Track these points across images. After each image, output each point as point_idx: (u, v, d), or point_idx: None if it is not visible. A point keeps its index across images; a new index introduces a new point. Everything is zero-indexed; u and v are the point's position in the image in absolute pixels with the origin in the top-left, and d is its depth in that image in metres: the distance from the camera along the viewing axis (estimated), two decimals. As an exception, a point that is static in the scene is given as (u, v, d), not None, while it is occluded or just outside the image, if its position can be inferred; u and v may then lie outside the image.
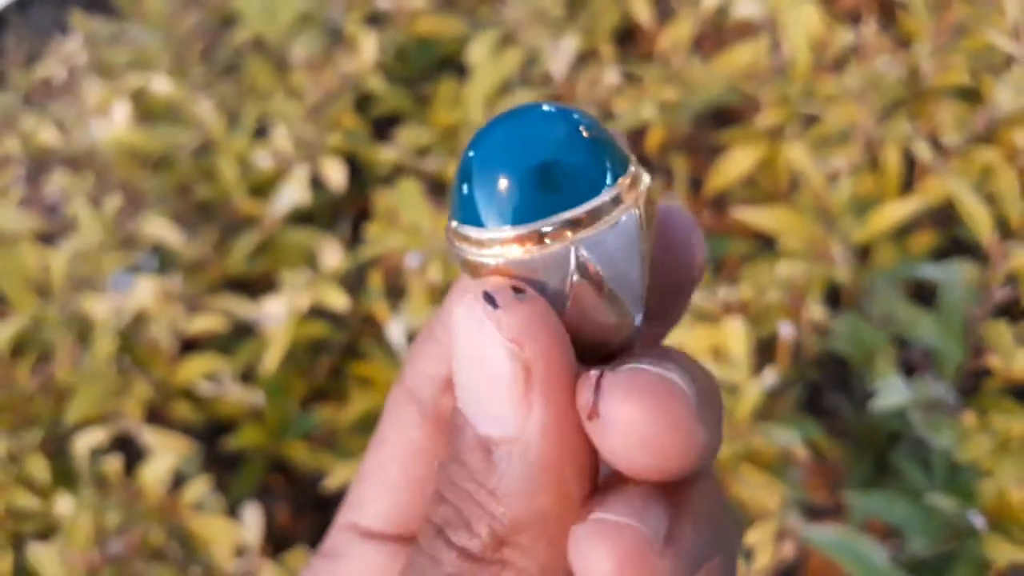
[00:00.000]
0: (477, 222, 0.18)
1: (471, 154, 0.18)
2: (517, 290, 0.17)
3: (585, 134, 0.18)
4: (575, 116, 0.19)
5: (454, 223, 0.19)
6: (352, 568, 0.22)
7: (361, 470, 0.23)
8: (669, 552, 0.16)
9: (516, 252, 0.17)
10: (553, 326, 0.17)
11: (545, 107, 0.19)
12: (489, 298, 0.17)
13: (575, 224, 0.17)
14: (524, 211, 0.17)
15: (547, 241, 0.17)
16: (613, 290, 0.18)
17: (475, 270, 0.18)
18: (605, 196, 0.18)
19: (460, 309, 0.17)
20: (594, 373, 0.17)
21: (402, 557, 0.22)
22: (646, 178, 0.19)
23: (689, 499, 0.17)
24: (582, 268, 0.17)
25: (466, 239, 0.18)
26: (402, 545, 0.22)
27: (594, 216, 0.17)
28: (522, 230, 0.17)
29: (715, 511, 0.18)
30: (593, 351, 0.18)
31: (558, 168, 0.17)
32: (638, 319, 0.19)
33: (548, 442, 0.16)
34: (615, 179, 0.18)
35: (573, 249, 0.17)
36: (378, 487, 0.22)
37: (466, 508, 0.17)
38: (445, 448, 0.18)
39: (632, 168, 0.19)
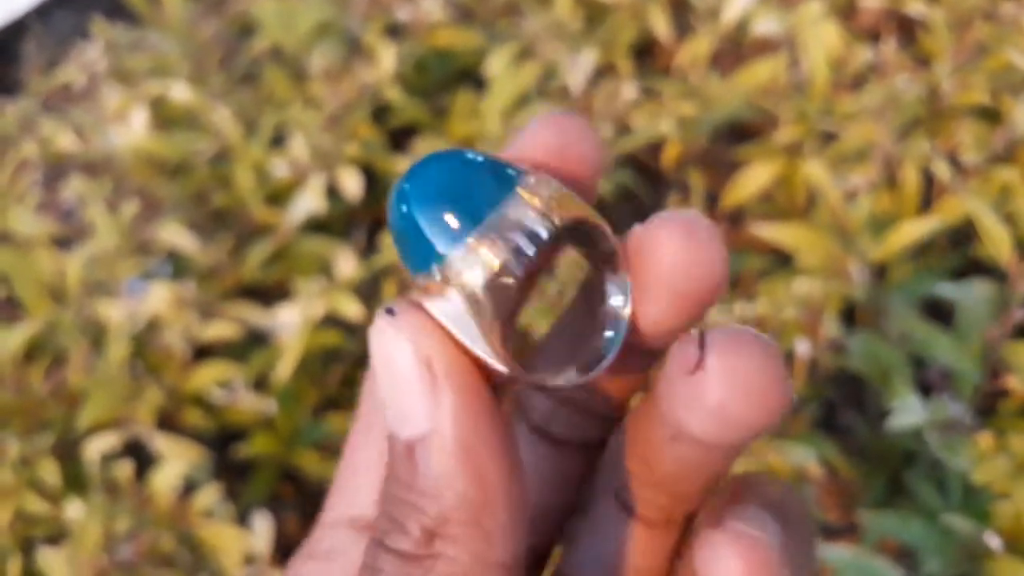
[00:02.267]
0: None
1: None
2: (415, 303, 0.17)
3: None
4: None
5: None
6: (351, 567, 0.21)
7: (351, 461, 0.23)
8: (786, 562, 0.17)
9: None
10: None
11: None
12: (389, 310, 0.17)
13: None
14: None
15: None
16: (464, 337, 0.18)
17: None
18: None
19: (372, 331, 0.18)
20: (695, 331, 0.17)
21: None
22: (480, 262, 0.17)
23: (789, 511, 0.18)
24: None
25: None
26: None
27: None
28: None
29: (805, 523, 0.19)
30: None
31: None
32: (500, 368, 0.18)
33: (461, 429, 0.17)
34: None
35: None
36: (376, 478, 0.21)
37: (399, 513, 0.17)
38: (387, 460, 0.18)
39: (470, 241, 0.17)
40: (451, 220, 0.17)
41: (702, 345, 0.17)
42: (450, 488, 0.17)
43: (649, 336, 0.19)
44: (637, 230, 0.18)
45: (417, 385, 0.17)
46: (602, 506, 0.21)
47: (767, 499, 0.18)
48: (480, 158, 0.18)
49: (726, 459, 0.18)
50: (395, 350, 0.17)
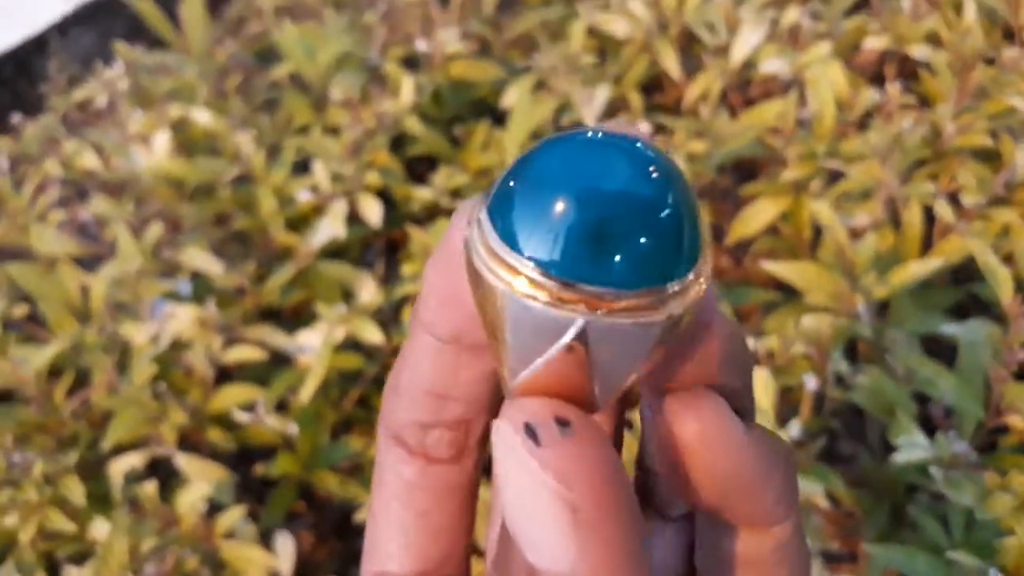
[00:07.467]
0: (509, 237, 0.15)
1: (530, 167, 0.16)
2: (562, 423, 0.16)
3: (671, 200, 0.16)
4: (665, 168, 0.16)
5: (485, 218, 0.16)
6: None
7: (370, 515, 0.23)
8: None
9: (523, 290, 0.15)
10: (603, 464, 0.16)
11: (638, 144, 0.16)
12: (531, 432, 0.15)
13: (597, 301, 0.15)
14: (563, 260, 0.15)
15: (560, 302, 0.15)
16: (592, 379, 0.16)
17: (475, 280, 0.16)
18: (648, 297, 0.15)
19: (499, 440, 0.16)
20: None
21: None
22: (705, 276, 0.16)
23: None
24: (574, 347, 0.16)
25: (485, 243, 0.16)
26: None
27: (622, 310, 0.15)
28: (541, 277, 0.15)
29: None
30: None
31: (622, 233, 0.15)
32: (600, 405, 0.17)
33: None
34: (676, 275, 0.16)
35: (578, 325, 0.15)
36: (388, 527, 0.22)
37: None
38: (498, 544, 0.18)
39: (698, 263, 0.16)
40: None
41: None
42: None
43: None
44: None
45: (556, 525, 0.15)
46: None
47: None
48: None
49: None
50: (535, 484, 0.15)
